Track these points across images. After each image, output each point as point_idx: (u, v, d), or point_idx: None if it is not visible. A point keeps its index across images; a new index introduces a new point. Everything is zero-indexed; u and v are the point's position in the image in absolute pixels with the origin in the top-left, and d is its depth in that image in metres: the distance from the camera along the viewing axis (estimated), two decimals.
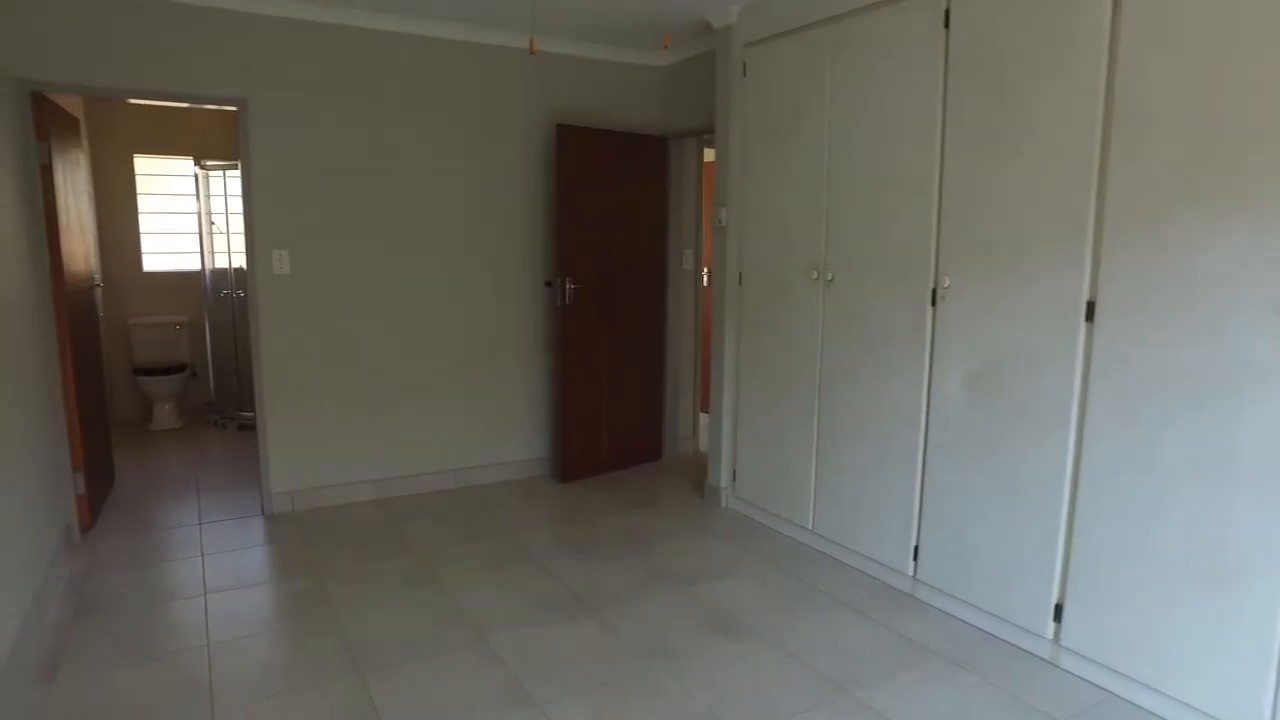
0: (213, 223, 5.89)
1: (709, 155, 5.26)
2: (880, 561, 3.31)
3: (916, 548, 3.15)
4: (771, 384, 3.84)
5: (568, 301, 4.42)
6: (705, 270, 5.29)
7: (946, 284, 2.95)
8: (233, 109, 3.86)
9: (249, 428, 5.70)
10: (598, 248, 4.55)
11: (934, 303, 3.02)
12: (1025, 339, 2.68)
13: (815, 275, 3.53)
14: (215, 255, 5.93)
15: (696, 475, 4.77)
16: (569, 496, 4.40)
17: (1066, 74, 2.50)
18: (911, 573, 3.18)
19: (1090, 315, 2.48)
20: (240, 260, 5.80)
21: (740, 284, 4.00)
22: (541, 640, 2.83)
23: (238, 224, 5.73)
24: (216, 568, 3.43)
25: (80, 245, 4.11)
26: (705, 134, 4.73)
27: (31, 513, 3.00)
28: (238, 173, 5.62)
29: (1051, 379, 2.61)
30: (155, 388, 5.66)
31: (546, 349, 4.73)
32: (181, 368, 5.78)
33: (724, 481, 4.20)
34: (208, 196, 5.85)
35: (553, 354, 4.74)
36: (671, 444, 5.15)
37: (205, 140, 6.03)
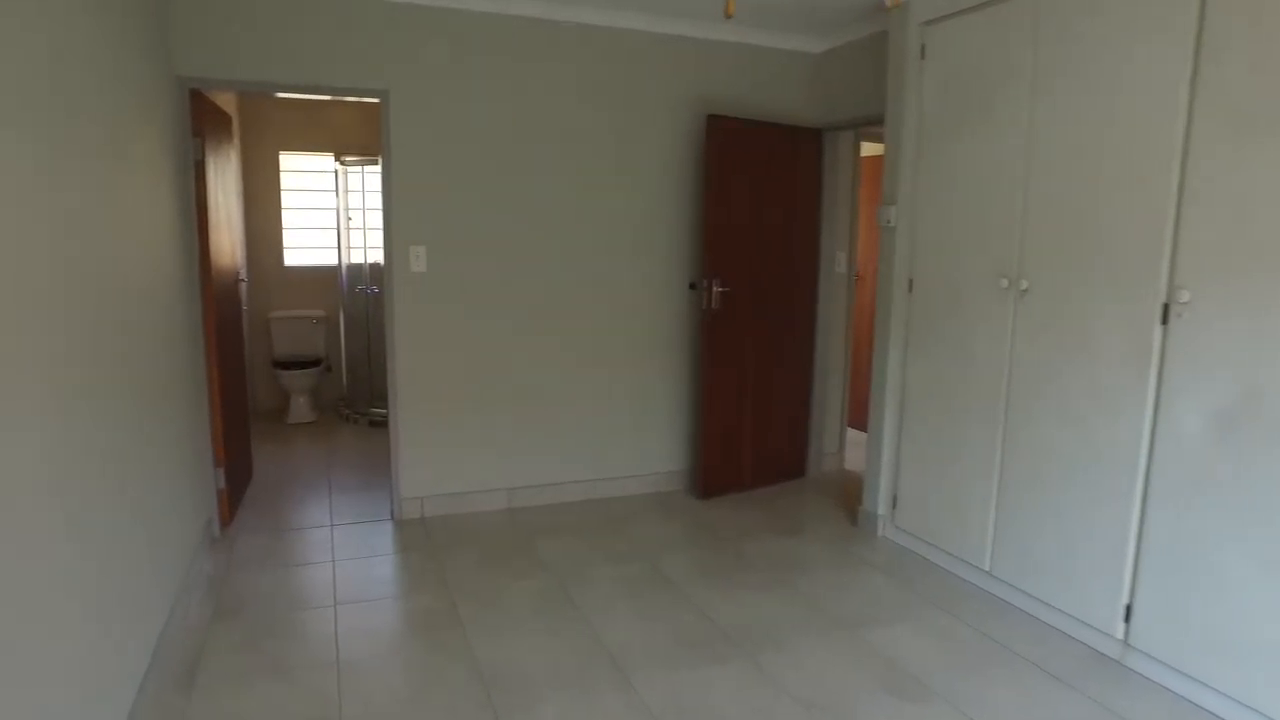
0: (349, 218, 5.92)
1: (865, 149, 4.83)
2: (1079, 618, 2.85)
3: (1129, 607, 2.67)
4: (944, 404, 3.41)
5: (713, 305, 4.11)
6: (856, 274, 4.86)
7: (1184, 298, 2.46)
8: (374, 101, 3.77)
9: (380, 424, 5.69)
10: (746, 248, 4.21)
11: (1165, 320, 2.53)
12: None
13: (1006, 283, 3.08)
14: (352, 251, 5.97)
15: (845, 497, 4.37)
16: (709, 515, 4.09)
17: None
18: (1121, 636, 2.70)
19: None
20: (376, 256, 5.80)
21: (910, 291, 3.59)
22: (692, 686, 2.53)
23: (374, 220, 5.73)
24: (347, 576, 3.32)
25: (228, 240, 4.12)
26: (864, 126, 4.32)
27: (177, 508, 2.96)
28: (376, 169, 5.62)
29: None
30: (292, 381, 5.73)
31: (687, 356, 4.44)
32: (317, 362, 5.84)
33: (882, 508, 3.79)
34: (346, 192, 5.88)
35: (695, 361, 4.44)
36: (816, 461, 4.76)
37: (345, 136, 6.07)
